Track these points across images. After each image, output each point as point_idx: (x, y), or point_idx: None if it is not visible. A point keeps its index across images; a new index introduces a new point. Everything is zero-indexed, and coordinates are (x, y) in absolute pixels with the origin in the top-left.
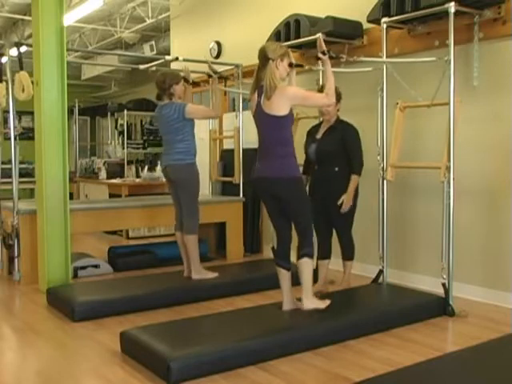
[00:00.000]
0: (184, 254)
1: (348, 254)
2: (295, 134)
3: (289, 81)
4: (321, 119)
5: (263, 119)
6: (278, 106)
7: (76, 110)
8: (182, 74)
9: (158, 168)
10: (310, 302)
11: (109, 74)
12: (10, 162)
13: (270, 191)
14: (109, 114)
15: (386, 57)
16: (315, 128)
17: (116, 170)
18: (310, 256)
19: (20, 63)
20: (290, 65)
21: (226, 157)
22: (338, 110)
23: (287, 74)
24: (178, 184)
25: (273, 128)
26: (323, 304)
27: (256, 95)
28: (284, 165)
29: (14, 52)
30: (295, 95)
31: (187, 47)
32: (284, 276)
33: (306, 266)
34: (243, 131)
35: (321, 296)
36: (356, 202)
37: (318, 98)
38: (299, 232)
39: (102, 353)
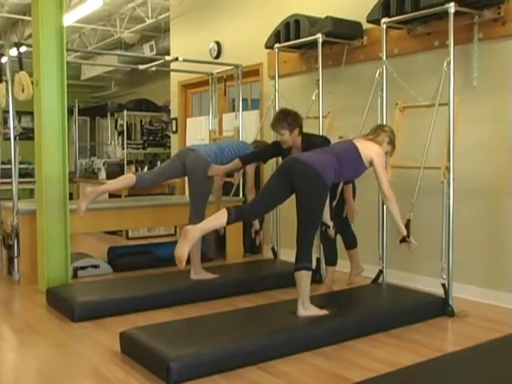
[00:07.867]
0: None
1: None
2: None
3: None
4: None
5: (345, 144)
6: (367, 150)
7: (76, 110)
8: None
9: None
10: (305, 310)
11: (109, 74)
12: (9, 162)
13: (296, 174)
14: (109, 114)
15: (386, 57)
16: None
17: (116, 171)
18: (309, 269)
19: (20, 63)
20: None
21: None
22: (299, 134)
23: (383, 154)
24: (191, 173)
25: (348, 153)
26: (320, 312)
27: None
28: (326, 170)
29: (13, 52)
30: (379, 156)
31: (187, 47)
32: (221, 213)
33: (304, 277)
34: (243, 131)
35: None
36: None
37: (386, 182)
38: (300, 235)
39: (102, 353)
